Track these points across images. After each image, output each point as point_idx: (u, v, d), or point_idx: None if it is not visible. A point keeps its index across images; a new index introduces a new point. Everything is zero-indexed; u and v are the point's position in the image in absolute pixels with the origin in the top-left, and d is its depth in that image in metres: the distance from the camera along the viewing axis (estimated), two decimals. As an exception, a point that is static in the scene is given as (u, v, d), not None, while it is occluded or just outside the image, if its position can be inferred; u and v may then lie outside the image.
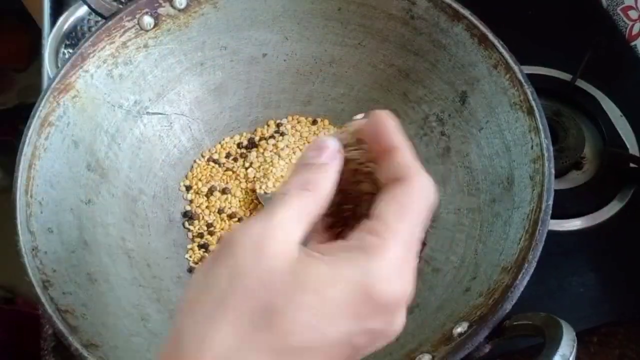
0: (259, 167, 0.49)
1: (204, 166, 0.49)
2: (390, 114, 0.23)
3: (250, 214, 0.48)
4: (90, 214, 0.41)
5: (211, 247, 0.46)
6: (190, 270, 0.45)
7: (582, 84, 0.55)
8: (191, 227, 0.47)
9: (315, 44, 0.49)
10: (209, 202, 0.48)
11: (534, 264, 0.32)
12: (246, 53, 0.49)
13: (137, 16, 0.42)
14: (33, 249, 0.36)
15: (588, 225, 0.48)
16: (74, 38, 0.58)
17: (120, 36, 0.42)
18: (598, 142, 0.53)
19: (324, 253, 0.20)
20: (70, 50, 0.57)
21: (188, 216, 0.47)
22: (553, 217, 0.34)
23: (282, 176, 0.49)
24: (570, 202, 0.49)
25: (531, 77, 0.38)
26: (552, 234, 0.35)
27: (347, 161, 0.24)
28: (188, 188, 0.49)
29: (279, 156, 0.49)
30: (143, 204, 0.45)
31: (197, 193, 0.48)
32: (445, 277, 0.40)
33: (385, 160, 0.23)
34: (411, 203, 0.21)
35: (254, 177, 0.48)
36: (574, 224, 0.48)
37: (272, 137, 0.50)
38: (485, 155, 0.41)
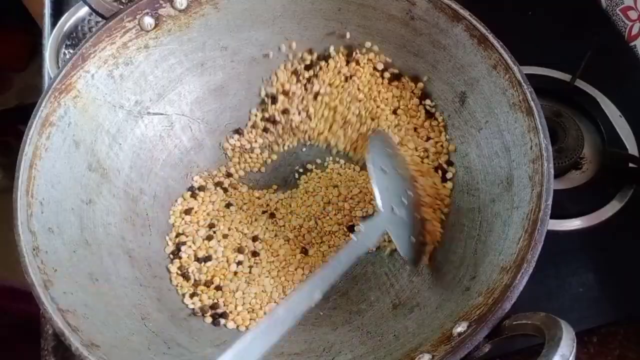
0: None
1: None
2: None
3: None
4: (91, 214, 0.41)
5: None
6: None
7: (581, 84, 0.55)
8: None
9: (316, 44, 0.49)
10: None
11: (533, 264, 0.32)
12: (247, 53, 0.49)
13: (138, 17, 0.43)
14: (34, 249, 0.36)
15: (587, 225, 0.48)
16: (74, 38, 0.58)
17: (121, 37, 0.43)
18: (597, 142, 0.53)
19: None
20: (71, 51, 0.57)
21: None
22: (552, 217, 0.34)
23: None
24: (569, 202, 0.49)
25: (530, 78, 0.38)
26: (551, 234, 0.35)
27: None
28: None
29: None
30: (144, 204, 0.46)
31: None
32: (445, 276, 0.40)
33: None
34: None
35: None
36: (573, 224, 0.48)
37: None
38: (484, 156, 0.41)
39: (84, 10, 0.58)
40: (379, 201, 0.36)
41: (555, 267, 0.46)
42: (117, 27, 0.42)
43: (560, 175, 0.51)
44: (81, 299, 0.36)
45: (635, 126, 0.53)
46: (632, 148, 0.52)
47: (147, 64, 0.45)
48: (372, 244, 0.36)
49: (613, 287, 0.46)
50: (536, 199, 0.35)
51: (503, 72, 0.39)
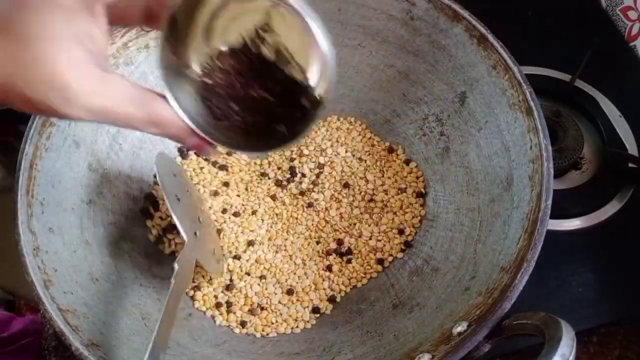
0: None
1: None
2: None
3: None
4: (92, 214, 0.41)
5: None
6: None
7: (581, 84, 0.55)
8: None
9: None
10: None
11: (533, 264, 0.32)
12: (246, 53, 0.49)
13: (138, 17, 0.43)
14: (34, 249, 0.36)
15: (587, 225, 0.48)
16: (74, 39, 0.58)
17: (122, 37, 0.43)
18: (597, 142, 0.53)
19: None
20: (71, 51, 0.57)
21: None
22: (552, 217, 0.34)
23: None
24: (569, 202, 0.49)
25: (530, 78, 0.38)
26: (551, 234, 0.35)
27: None
28: None
29: None
30: (144, 203, 0.46)
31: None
32: (445, 276, 0.40)
33: None
34: None
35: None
36: (573, 224, 0.48)
37: None
38: (484, 156, 0.41)
39: (84, 10, 0.58)
40: (183, 233, 0.36)
41: (555, 267, 0.46)
42: (118, 27, 0.42)
43: (560, 175, 0.51)
44: (81, 298, 0.36)
45: (635, 126, 0.53)
46: (632, 148, 0.52)
47: (148, 64, 0.45)
48: (190, 279, 0.37)
49: (613, 287, 0.46)
50: (536, 198, 0.35)
51: (503, 72, 0.39)
